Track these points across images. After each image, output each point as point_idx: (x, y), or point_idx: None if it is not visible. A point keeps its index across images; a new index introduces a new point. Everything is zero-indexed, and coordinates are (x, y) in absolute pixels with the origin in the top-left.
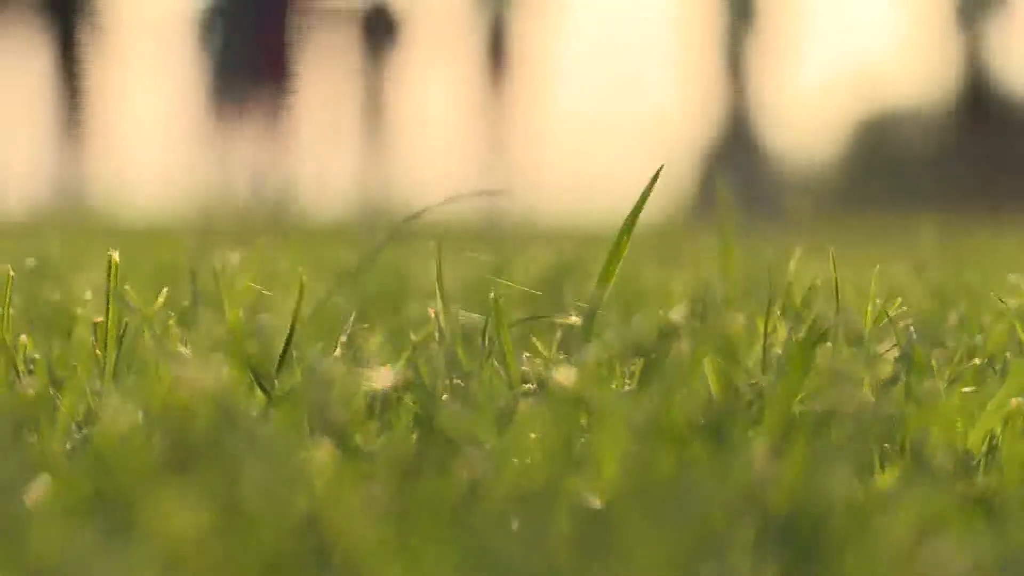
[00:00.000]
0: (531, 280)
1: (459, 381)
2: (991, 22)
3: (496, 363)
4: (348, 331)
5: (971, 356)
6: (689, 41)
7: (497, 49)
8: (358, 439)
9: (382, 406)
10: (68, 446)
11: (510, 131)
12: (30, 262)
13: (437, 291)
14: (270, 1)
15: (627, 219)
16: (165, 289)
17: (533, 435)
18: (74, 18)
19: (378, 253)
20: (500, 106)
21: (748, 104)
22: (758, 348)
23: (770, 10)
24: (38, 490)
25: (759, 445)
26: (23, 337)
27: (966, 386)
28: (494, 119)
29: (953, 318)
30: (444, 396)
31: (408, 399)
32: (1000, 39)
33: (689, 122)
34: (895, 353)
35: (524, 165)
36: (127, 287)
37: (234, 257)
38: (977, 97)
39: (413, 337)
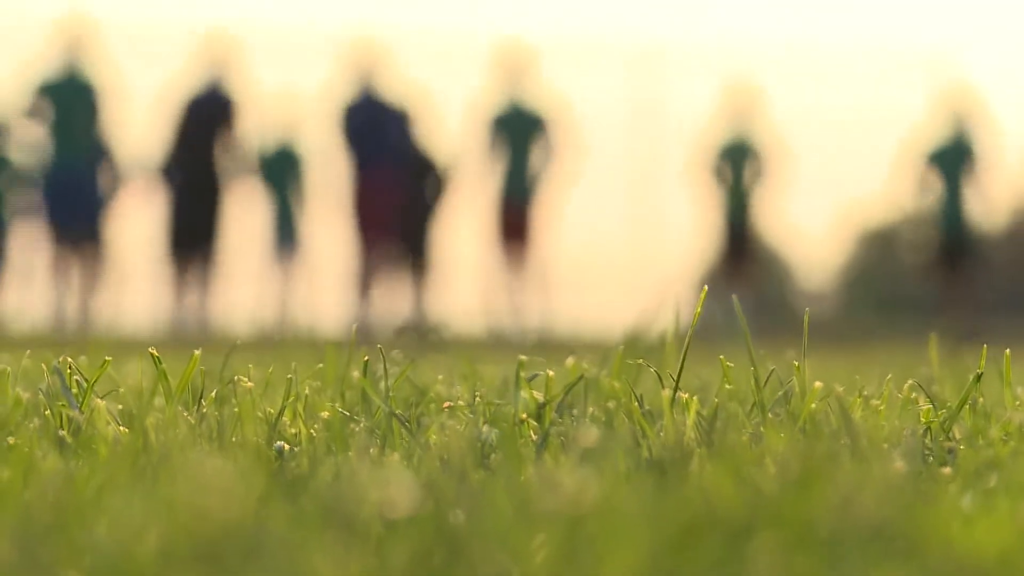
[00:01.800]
0: (548, 392)
1: (472, 496)
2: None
3: (508, 476)
4: (367, 446)
5: (980, 467)
6: (692, 178)
7: (517, 205)
8: (375, 551)
9: (400, 522)
10: (90, 559)
11: (531, 262)
12: (53, 381)
13: (453, 406)
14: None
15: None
16: (182, 409)
17: (544, 551)
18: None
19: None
20: (521, 247)
21: (753, 226)
22: (768, 461)
23: (772, 151)
24: None
25: (770, 555)
26: (40, 452)
27: (976, 496)
28: (516, 258)
29: (960, 430)
30: (458, 511)
31: (424, 513)
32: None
33: (696, 249)
34: (904, 465)
35: (543, 291)
36: (155, 402)
37: (254, 375)
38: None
39: (430, 451)
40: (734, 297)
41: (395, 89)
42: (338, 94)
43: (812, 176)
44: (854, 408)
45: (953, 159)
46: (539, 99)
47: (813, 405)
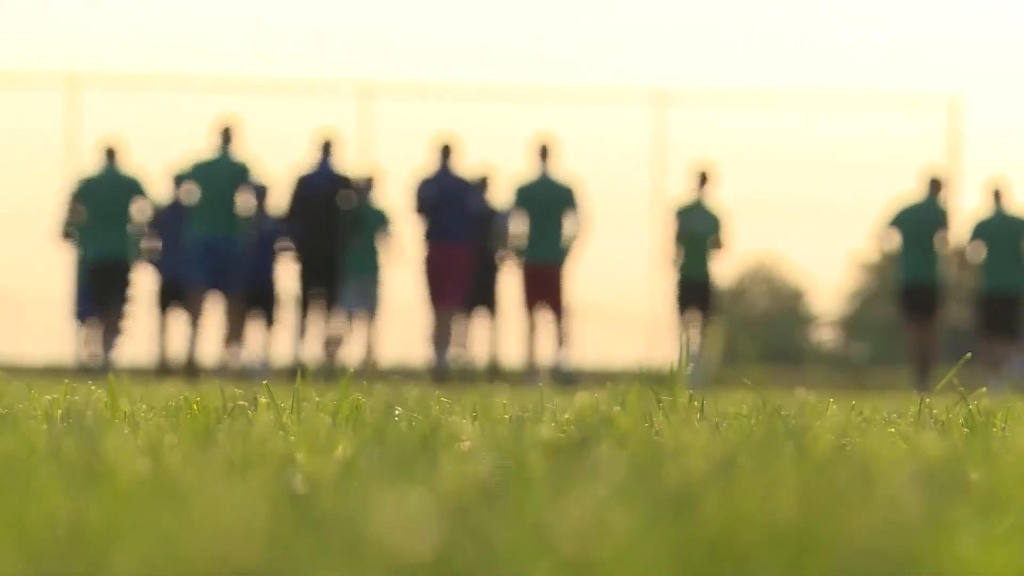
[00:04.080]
0: (563, 429)
1: (484, 531)
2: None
3: (522, 519)
4: (381, 486)
5: (993, 499)
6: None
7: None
8: None
9: (413, 557)
10: None
11: (557, 313)
12: (68, 423)
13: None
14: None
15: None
16: (199, 443)
17: None
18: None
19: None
20: (550, 301)
21: (711, 280)
22: (780, 491)
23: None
24: None
25: None
26: (55, 487)
27: (989, 528)
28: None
29: (972, 462)
30: (469, 546)
31: (436, 548)
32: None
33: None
34: (916, 496)
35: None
36: (169, 439)
37: (268, 413)
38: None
39: (444, 486)
40: (742, 339)
41: (466, 164)
42: (417, 168)
43: (827, 211)
44: (867, 439)
45: (919, 221)
46: (563, 176)
47: (826, 437)
